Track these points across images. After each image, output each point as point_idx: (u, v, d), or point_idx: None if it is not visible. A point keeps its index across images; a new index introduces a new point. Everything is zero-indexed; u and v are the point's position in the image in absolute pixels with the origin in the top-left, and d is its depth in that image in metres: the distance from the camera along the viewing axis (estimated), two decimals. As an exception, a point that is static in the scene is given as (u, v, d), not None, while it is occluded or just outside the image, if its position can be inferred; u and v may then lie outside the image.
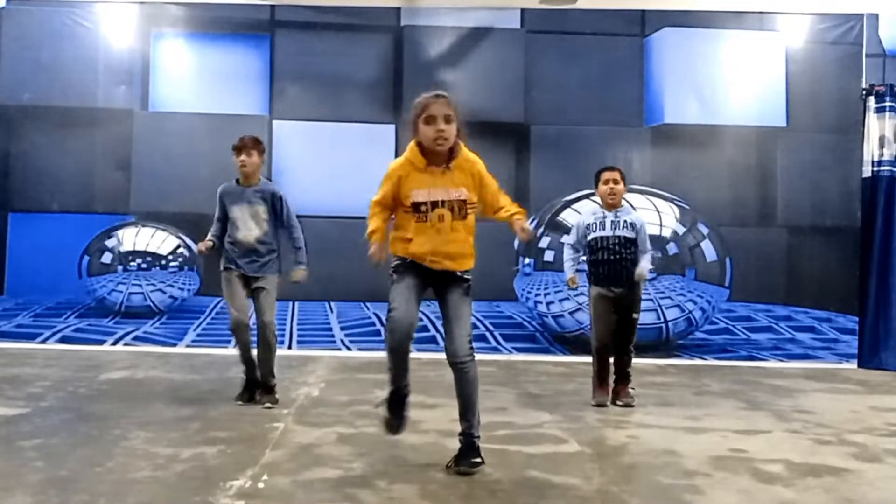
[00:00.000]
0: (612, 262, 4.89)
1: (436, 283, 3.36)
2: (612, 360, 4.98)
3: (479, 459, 3.27)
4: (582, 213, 5.20)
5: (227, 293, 4.71)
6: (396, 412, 3.44)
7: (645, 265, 4.90)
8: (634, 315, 4.93)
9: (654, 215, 7.16)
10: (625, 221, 4.93)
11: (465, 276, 3.34)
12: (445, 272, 3.31)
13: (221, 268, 4.76)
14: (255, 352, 4.72)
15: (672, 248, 7.28)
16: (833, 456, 3.73)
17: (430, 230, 3.27)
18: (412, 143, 3.33)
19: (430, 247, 3.27)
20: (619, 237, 4.89)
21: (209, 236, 4.80)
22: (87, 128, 7.37)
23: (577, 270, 5.10)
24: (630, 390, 4.92)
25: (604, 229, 4.93)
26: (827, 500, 3.05)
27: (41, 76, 7.36)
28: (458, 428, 4.07)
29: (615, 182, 4.95)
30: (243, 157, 4.68)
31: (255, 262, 4.67)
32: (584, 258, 5.06)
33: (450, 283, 3.33)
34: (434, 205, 3.26)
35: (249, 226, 4.67)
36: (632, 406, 4.80)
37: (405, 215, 3.34)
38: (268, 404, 4.58)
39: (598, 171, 5.07)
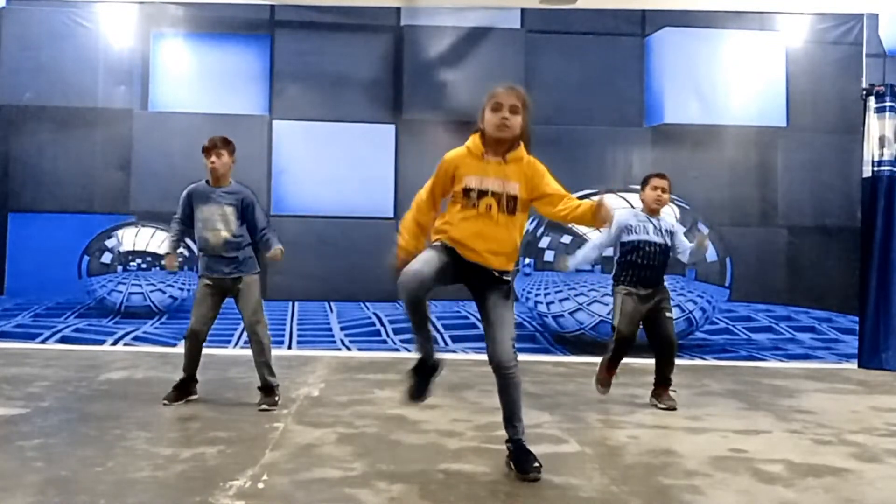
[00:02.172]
0: (646, 266, 4.87)
1: (473, 280, 3.28)
2: (626, 357, 5.01)
3: (538, 464, 3.21)
4: (621, 212, 5.13)
5: (195, 300, 4.67)
6: (421, 379, 3.38)
7: (691, 247, 4.97)
8: (668, 314, 4.89)
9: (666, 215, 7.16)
10: (666, 229, 4.95)
11: (506, 279, 3.27)
12: (483, 269, 3.23)
13: (198, 273, 4.71)
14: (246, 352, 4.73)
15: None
16: (833, 456, 3.73)
17: (475, 219, 3.21)
18: (474, 134, 3.34)
19: (471, 234, 3.20)
20: (661, 245, 4.89)
21: (170, 236, 4.79)
22: (87, 128, 7.36)
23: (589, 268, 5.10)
24: (672, 392, 4.91)
25: (647, 234, 4.89)
26: (827, 500, 3.05)
27: (41, 76, 7.36)
28: (458, 428, 4.10)
29: (664, 191, 4.92)
30: (213, 158, 4.60)
31: (230, 264, 4.59)
32: (616, 257, 5.04)
33: (489, 283, 3.26)
34: (483, 193, 3.22)
35: (218, 227, 4.57)
36: (675, 409, 4.77)
37: (452, 204, 3.27)
38: (264, 406, 4.50)
39: (648, 175, 5.02)
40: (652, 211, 4.96)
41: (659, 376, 4.94)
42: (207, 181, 4.67)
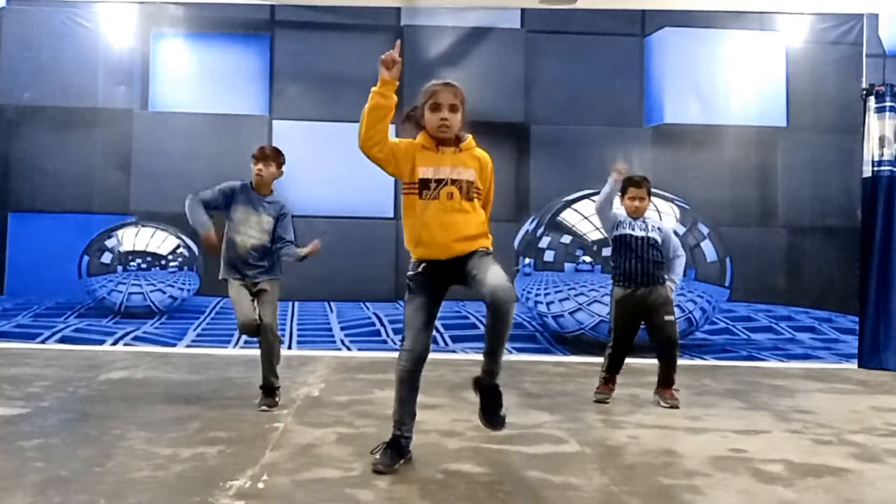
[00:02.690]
0: (631, 258, 4.91)
1: (456, 273, 3.25)
2: (622, 360, 5.03)
3: (504, 412, 3.26)
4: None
5: (233, 300, 4.61)
6: (390, 456, 3.29)
7: (672, 284, 4.95)
8: (666, 317, 4.89)
9: (654, 215, 7.12)
10: (652, 226, 4.99)
11: (480, 250, 3.24)
12: (454, 261, 3.22)
13: (220, 276, 4.66)
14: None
15: (672, 248, 7.28)
16: (833, 456, 3.73)
17: (439, 210, 3.21)
18: (422, 132, 3.34)
19: (438, 226, 3.19)
20: (646, 238, 4.92)
21: (200, 213, 4.51)
22: (87, 128, 7.37)
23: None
24: (675, 392, 4.92)
25: (633, 230, 4.96)
26: (827, 500, 3.04)
27: (41, 76, 7.36)
28: (458, 427, 4.10)
29: (641, 199, 4.97)
30: (261, 166, 4.64)
31: (254, 269, 4.60)
32: (610, 257, 5.12)
33: (464, 263, 3.21)
34: (442, 182, 3.23)
35: (251, 233, 4.58)
36: (677, 408, 4.78)
37: (411, 199, 3.26)
38: (264, 406, 4.50)
39: (626, 182, 4.99)
40: (632, 216, 5.03)
41: (661, 377, 4.95)
42: (250, 183, 4.68)
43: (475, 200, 3.29)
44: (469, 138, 3.36)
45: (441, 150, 3.29)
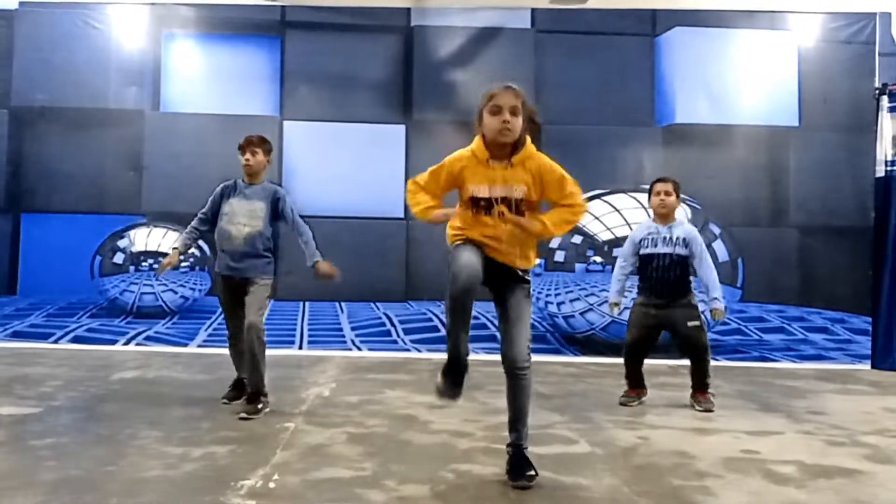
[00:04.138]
0: (658, 277, 4.87)
1: (496, 279, 3.20)
2: (638, 364, 5.01)
3: (533, 472, 3.13)
4: (636, 227, 5.16)
5: (222, 304, 4.66)
6: (452, 379, 3.15)
7: (720, 304, 4.86)
8: (690, 323, 4.84)
9: (683, 217, 7.13)
10: (678, 238, 4.87)
11: (526, 277, 3.23)
12: (505, 268, 3.19)
13: (215, 269, 4.63)
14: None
15: (683, 249, 7.24)
16: (845, 457, 3.71)
17: (486, 225, 3.16)
18: (477, 137, 3.23)
19: (488, 237, 3.15)
20: (672, 255, 4.85)
21: (186, 232, 4.65)
22: (99, 128, 7.41)
23: (623, 293, 5.03)
24: (710, 395, 4.86)
25: (656, 246, 4.88)
26: (839, 501, 3.03)
27: (53, 77, 7.41)
28: (468, 428, 4.09)
29: (667, 194, 4.90)
30: (248, 155, 4.55)
31: (244, 263, 4.47)
32: (636, 272, 5.06)
33: (509, 281, 3.20)
34: (493, 202, 3.15)
35: (242, 221, 4.48)
36: (711, 411, 4.73)
37: (463, 209, 3.21)
38: (243, 414, 4.24)
39: (653, 181, 5.03)
40: (661, 217, 4.95)
41: (693, 381, 4.92)
42: (243, 179, 4.63)
43: (526, 214, 3.17)
44: (525, 147, 3.21)
45: (492, 165, 3.16)
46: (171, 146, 7.37)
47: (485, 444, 3.80)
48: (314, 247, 4.59)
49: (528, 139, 3.24)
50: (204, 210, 4.66)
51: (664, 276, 4.86)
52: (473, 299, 3.04)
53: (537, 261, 3.36)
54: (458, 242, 3.16)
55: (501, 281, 3.22)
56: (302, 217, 4.74)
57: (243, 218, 4.50)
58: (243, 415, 4.24)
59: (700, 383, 4.90)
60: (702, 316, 4.94)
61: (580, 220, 3.30)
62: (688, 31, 7.50)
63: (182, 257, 4.75)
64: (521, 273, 3.22)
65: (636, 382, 5.01)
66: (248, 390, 4.46)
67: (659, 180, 5.00)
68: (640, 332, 4.96)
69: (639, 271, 5.00)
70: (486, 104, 3.15)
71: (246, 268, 4.48)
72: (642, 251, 4.94)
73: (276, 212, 4.58)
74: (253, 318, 4.36)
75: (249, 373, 4.42)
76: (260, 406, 4.35)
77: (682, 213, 5.05)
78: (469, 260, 3.01)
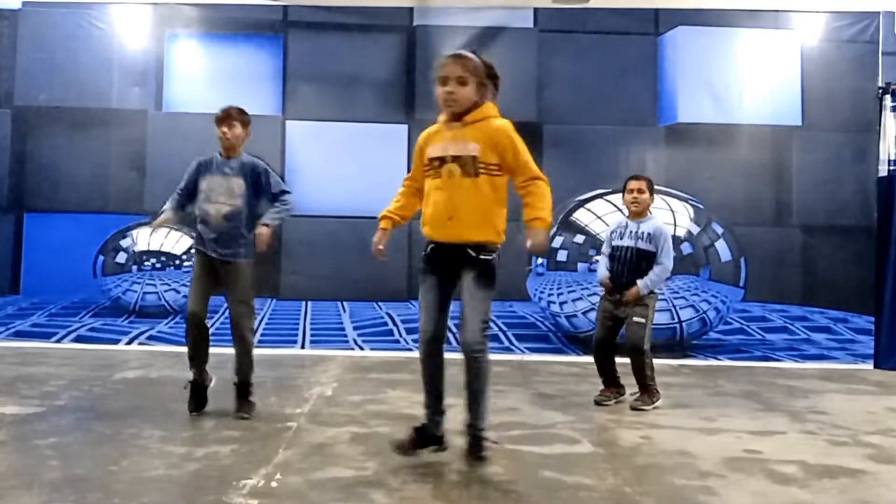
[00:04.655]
0: (620, 270, 4.89)
1: (455, 267, 3.24)
2: (606, 362, 4.99)
3: (483, 454, 3.23)
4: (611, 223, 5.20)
5: (194, 277, 4.30)
6: (409, 441, 3.31)
7: (641, 284, 4.81)
8: (636, 318, 4.82)
9: (668, 215, 7.12)
10: (643, 232, 4.88)
11: (482, 257, 3.20)
12: (459, 249, 3.20)
13: (192, 245, 4.40)
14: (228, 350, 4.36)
15: (686, 248, 7.24)
16: (848, 457, 3.70)
17: (440, 188, 3.23)
18: None
19: (440, 205, 3.21)
20: (635, 249, 4.87)
21: (169, 203, 4.36)
22: (102, 128, 7.42)
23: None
24: (645, 398, 4.80)
25: (622, 239, 4.93)
26: (842, 501, 3.02)
27: (56, 77, 7.41)
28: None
29: (639, 191, 4.92)
30: (225, 128, 4.31)
31: (223, 244, 4.20)
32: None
33: (462, 266, 3.22)
34: (443, 160, 3.22)
35: (220, 199, 4.23)
36: (638, 410, 4.71)
37: (425, 179, 3.35)
38: (244, 415, 4.17)
39: (626, 179, 5.05)
40: (634, 214, 4.98)
41: (635, 377, 4.88)
42: (220, 153, 4.38)
43: (483, 176, 3.18)
44: (480, 110, 3.24)
45: (449, 126, 3.27)
46: (174, 146, 7.34)
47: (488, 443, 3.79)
48: (280, 216, 4.31)
49: (490, 103, 3.29)
50: (180, 186, 4.40)
51: (622, 269, 4.87)
52: (441, 355, 3.31)
53: (502, 238, 3.30)
54: (422, 263, 3.33)
55: (459, 267, 3.24)
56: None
57: (222, 196, 4.25)
58: (244, 415, 4.18)
59: (641, 383, 4.84)
60: (650, 317, 4.86)
61: (548, 188, 3.25)
62: (691, 30, 7.49)
63: (173, 224, 4.45)
64: (473, 254, 3.20)
65: (609, 381, 4.98)
66: (247, 385, 4.30)
67: (632, 178, 5.02)
68: (603, 327, 4.95)
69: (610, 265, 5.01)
70: (436, 76, 3.26)
71: (226, 252, 4.23)
72: (613, 243, 4.98)
73: (258, 187, 4.31)
74: (237, 308, 4.23)
75: (240, 366, 4.29)
76: (252, 399, 4.30)
77: (662, 212, 5.05)
78: (426, 320, 3.25)
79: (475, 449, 3.26)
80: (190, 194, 4.37)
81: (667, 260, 4.88)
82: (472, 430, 3.28)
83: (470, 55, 3.29)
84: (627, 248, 4.89)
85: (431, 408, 3.36)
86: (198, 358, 4.31)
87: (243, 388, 4.32)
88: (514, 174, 3.26)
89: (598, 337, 5.00)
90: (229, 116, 4.35)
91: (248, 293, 4.32)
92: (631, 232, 4.92)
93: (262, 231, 4.18)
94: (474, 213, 3.20)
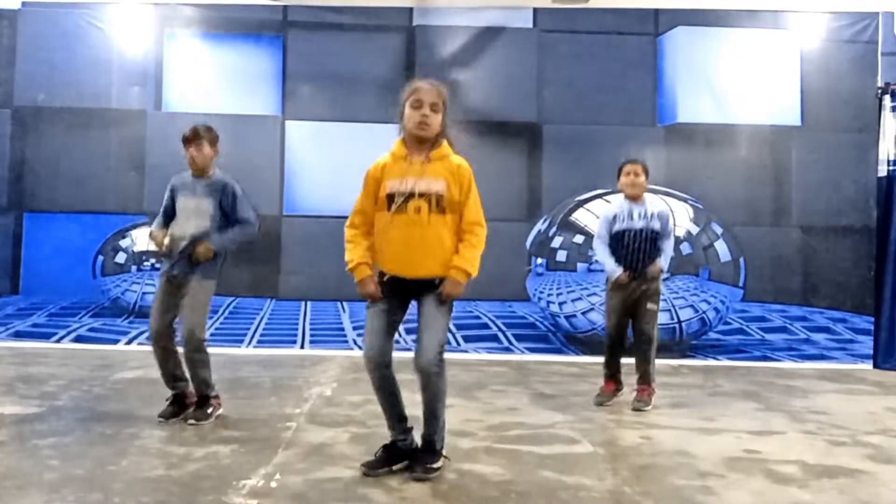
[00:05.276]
0: (633, 252, 4.86)
1: (414, 293, 3.25)
2: (619, 354, 4.98)
3: (436, 465, 3.20)
4: (607, 207, 5.19)
5: (156, 296, 4.27)
6: (377, 460, 3.27)
7: (663, 261, 4.86)
8: (650, 305, 4.83)
9: (653, 198, 7.12)
10: (652, 213, 4.90)
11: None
12: (422, 282, 3.19)
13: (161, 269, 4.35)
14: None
15: (686, 248, 7.24)
16: (848, 457, 3.71)
17: (405, 225, 3.16)
18: (397, 139, 3.33)
19: (401, 243, 3.17)
20: (649, 230, 4.86)
21: (152, 228, 4.35)
22: (101, 128, 7.41)
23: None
24: (649, 391, 4.82)
25: (632, 220, 4.89)
26: (842, 501, 3.03)
27: (55, 77, 7.41)
28: (470, 428, 4.10)
29: (636, 174, 4.92)
30: (193, 150, 4.20)
31: (185, 262, 4.16)
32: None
33: (422, 293, 3.22)
34: (409, 196, 3.17)
35: (190, 221, 4.18)
36: (640, 411, 4.71)
37: (379, 214, 3.25)
38: (192, 420, 4.06)
39: (622, 163, 5.03)
40: (631, 197, 4.96)
41: (637, 372, 4.89)
42: (192, 173, 4.30)
43: (447, 214, 3.19)
44: (443, 145, 3.26)
45: (410, 161, 3.22)
46: (174, 146, 7.28)
47: (487, 443, 3.81)
48: (228, 241, 4.24)
49: (446, 142, 3.28)
50: (162, 208, 4.38)
51: (638, 250, 4.85)
52: (390, 379, 3.28)
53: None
54: (368, 303, 3.29)
55: (416, 294, 3.25)
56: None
57: (190, 218, 4.20)
58: (192, 421, 4.07)
59: (645, 377, 4.85)
60: (660, 305, 4.92)
61: (483, 237, 3.24)
62: (690, 30, 7.49)
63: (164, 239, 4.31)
64: (437, 283, 3.19)
65: (613, 375, 4.97)
66: (202, 392, 4.20)
67: (629, 161, 5.01)
68: (619, 318, 4.93)
69: (614, 249, 4.94)
70: (408, 97, 3.25)
71: (184, 266, 4.17)
72: (616, 228, 4.93)
73: (223, 208, 4.23)
74: (190, 327, 4.10)
75: (192, 379, 4.19)
76: (210, 410, 4.17)
77: (655, 198, 5.06)
78: (371, 345, 3.24)
79: (427, 457, 3.22)
80: (171, 216, 4.34)
81: (672, 239, 4.99)
82: (429, 439, 3.25)
83: (443, 86, 3.31)
84: (641, 230, 4.86)
85: (396, 429, 3.33)
86: (167, 374, 4.26)
87: (202, 401, 4.21)
88: (463, 213, 3.24)
89: (617, 333, 4.95)
90: (197, 136, 4.23)
91: (204, 310, 4.21)
92: (639, 214, 4.89)
93: (202, 244, 4.14)
94: (442, 250, 3.19)
